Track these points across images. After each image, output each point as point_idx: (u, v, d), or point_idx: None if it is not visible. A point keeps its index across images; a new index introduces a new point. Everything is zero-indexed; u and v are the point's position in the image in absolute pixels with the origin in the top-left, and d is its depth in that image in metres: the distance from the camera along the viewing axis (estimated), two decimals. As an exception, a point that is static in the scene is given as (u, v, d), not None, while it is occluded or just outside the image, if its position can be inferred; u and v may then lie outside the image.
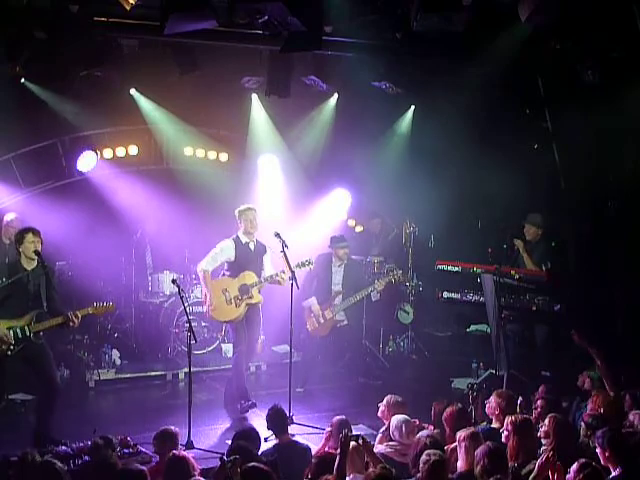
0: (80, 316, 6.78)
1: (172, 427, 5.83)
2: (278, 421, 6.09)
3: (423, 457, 4.82)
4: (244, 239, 7.94)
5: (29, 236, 6.73)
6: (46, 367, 6.82)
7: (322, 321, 8.80)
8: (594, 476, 4.66)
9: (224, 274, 8.02)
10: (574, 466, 4.69)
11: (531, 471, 5.02)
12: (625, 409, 6.25)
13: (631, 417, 5.93)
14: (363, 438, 5.24)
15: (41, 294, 6.75)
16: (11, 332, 6.53)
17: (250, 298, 7.81)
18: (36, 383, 6.99)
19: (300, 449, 5.91)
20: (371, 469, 4.94)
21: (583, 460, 4.75)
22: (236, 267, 7.90)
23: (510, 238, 8.81)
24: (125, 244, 10.06)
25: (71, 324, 6.73)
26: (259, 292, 7.90)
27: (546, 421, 5.57)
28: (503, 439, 5.45)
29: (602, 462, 5.00)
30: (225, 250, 7.89)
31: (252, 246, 7.96)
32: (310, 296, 8.84)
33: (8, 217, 8.61)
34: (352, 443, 5.11)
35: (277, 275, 7.84)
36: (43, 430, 6.79)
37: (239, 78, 9.30)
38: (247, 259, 7.92)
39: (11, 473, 5.06)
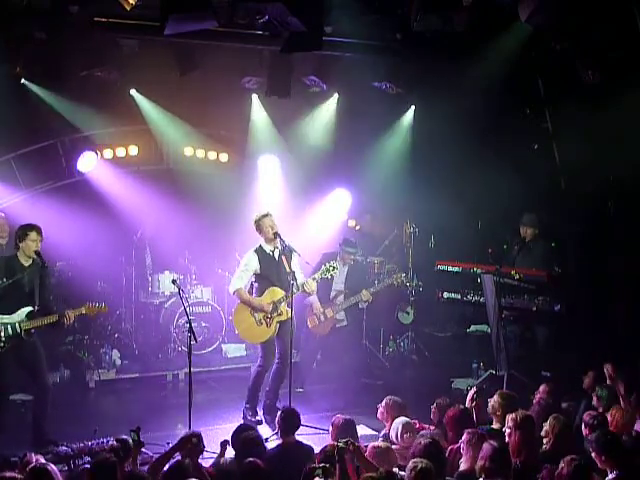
0: (73, 315, 6.80)
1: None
2: (289, 422, 6.04)
3: (410, 464, 4.72)
4: (267, 248, 7.66)
5: (33, 234, 6.71)
6: (37, 366, 6.83)
7: (323, 319, 8.76)
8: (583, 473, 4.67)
9: (251, 284, 7.78)
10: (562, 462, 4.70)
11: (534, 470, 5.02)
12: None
13: (637, 426, 5.92)
14: (352, 443, 5.12)
15: (35, 292, 6.75)
16: (2, 328, 6.54)
17: (280, 315, 7.62)
18: (29, 383, 7.01)
19: (304, 450, 5.90)
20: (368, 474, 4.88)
21: (569, 457, 4.75)
22: (263, 278, 7.67)
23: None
24: (125, 244, 10.05)
25: (65, 321, 6.74)
26: (287, 306, 7.61)
27: (548, 421, 5.57)
28: (506, 437, 5.44)
29: (599, 466, 4.99)
30: (249, 264, 7.64)
31: (276, 254, 7.66)
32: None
33: None
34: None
35: (304, 285, 7.63)
36: (39, 430, 6.81)
37: (239, 78, 9.29)
38: (272, 269, 7.65)
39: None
